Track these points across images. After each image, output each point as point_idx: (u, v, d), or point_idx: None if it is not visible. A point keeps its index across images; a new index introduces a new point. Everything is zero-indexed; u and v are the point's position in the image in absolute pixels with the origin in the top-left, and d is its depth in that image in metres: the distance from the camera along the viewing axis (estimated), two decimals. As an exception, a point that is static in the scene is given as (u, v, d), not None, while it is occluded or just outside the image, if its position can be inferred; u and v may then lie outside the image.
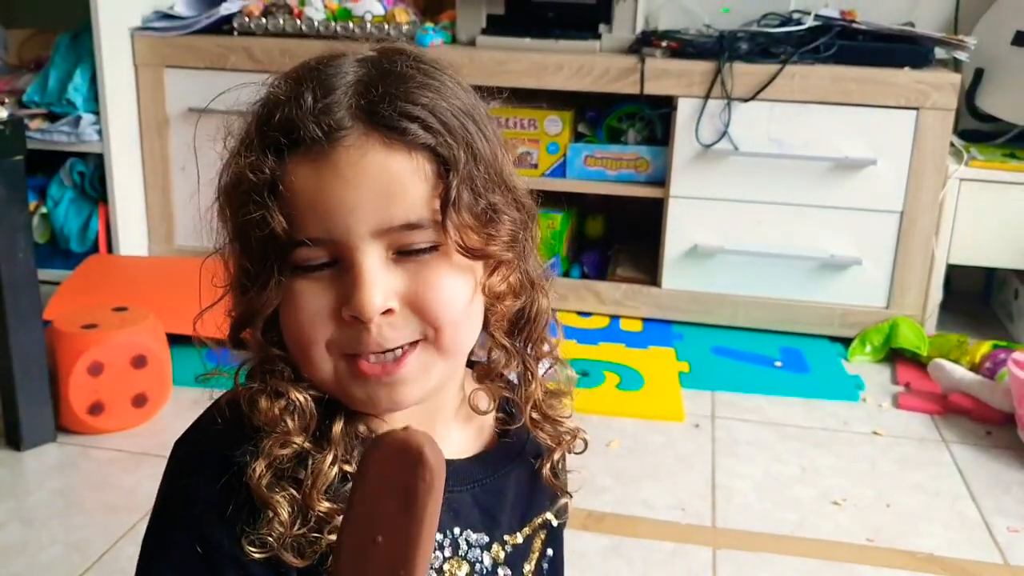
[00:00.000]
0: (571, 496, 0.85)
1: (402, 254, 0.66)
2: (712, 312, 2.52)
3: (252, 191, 0.64)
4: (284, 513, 0.66)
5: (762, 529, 1.70)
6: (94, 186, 2.64)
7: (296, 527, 0.66)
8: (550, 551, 0.83)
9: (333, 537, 0.65)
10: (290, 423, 0.68)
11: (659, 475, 1.85)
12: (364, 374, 0.67)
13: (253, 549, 0.66)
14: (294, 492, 0.67)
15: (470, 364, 0.79)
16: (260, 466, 0.67)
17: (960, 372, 2.16)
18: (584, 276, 2.65)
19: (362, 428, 0.71)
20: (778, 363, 2.35)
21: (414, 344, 0.67)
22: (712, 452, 1.95)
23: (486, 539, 0.76)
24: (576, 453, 0.85)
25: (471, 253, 0.67)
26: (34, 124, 2.54)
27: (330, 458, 0.68)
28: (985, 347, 2.26)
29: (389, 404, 0.69)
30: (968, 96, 2.56)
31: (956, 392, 2.15)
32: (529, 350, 0.78)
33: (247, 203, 0.65)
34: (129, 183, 2.66)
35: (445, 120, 0.67)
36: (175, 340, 2.07)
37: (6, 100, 2.52)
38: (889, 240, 2.40)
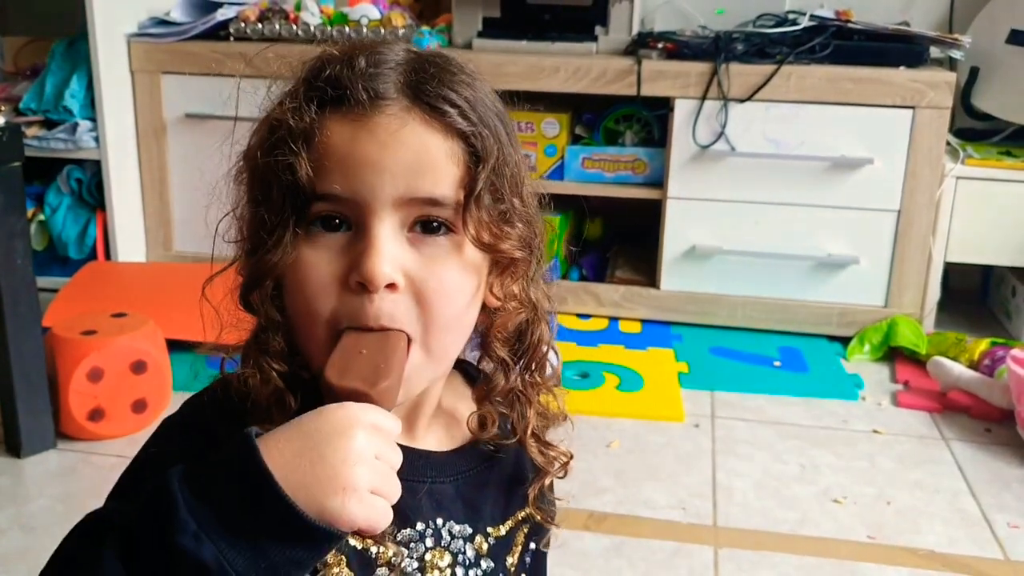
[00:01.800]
0: (558, 526, 0.85)
1: (416, 231, 0.67)
2: (711, 313, 2.52)
3: (288, 136, 0.65)
4: None
5: (763, 528, 1.70)
6: (92, 193, 2.64)
7: None
8: (532, 544, 0.83)
9: None
10: (275, 412, 0.68)
11: (660, 475, 1.85)
12: None
13: None
14: None
15: (459, 369, 0.79)
16: None
17: (959, 370, 2.17)
18: (583, 278, 2.65)
19: None
20: (777, 363, 2.35)
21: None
22: (712, 452, 1.95)
23: (469, 530, 0.77)
24: (559, 478, 0.84)
25: (484, 246, 0.68)
26: (31, 131, 2.54)
27: None
28: (984, 344, 2.26)
29: None
30: (964, 95, 2.57)
31: (955, 390, 2.15)
32: (528, 375, 0.79)
33: (279, 147, 0.66)
34: (127, 189, 2.66)
35: (482, 116, 0.69)
36: (174, 346, 2.07)
37: (3, 107, 2.52)
38: (887, 239, 2.40)
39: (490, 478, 0.79)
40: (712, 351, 2.41)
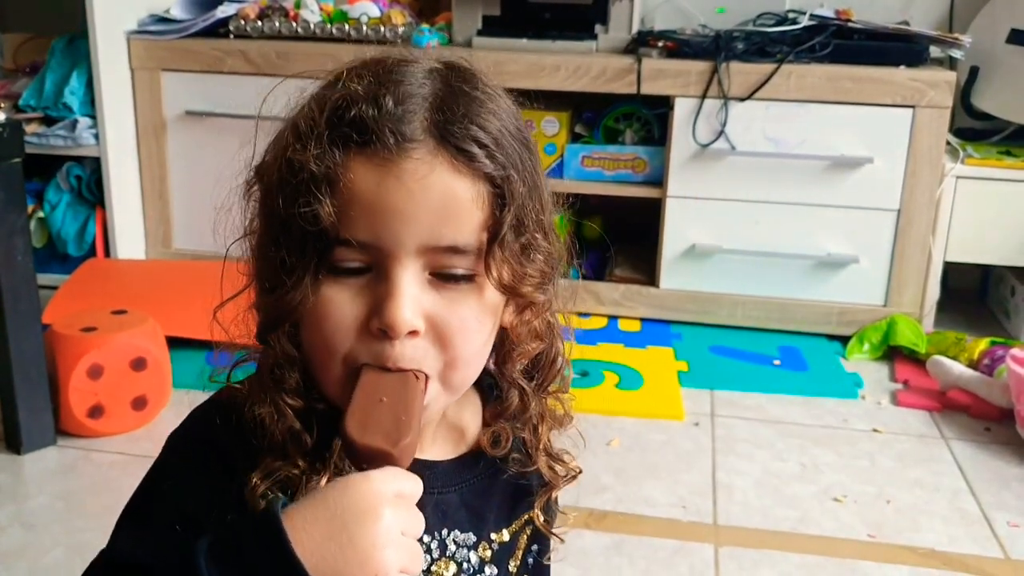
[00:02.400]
0: (563, 541, 0.85)
1: (437, 277, 0.66)
2: (710, 311, 2.52)
3: (310, 182, 0.64)
4: None
5: (763, 526, 1.70)
6: (91, 190, 2.64)
7: None
8: (535, 547, 0.83)
9: None
10: (290, 448, 0.68)
11: (660, 473, 1.86)
12: None
13: None
14: None
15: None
16: (257, 478, 0.67)
17: (959, 369, 2.17)
18: (582, 277, 2.64)
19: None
20: (777, 361, 2.35)
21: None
22: (712, 450, 1.95)
23: (473, 538, 0.77)
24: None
25: (506, 290, 0.68)
26: (31, 128, 2.53)
27: (324, 480, 0.68)
28: (983, 344, 2.27)
29: None
30: (963, 94, 2.57)
31: (955, 389, 2.16)
32: (543, 392, 0.79)
33: (301, 193, 0.64)
34: (126, 187, 2.66)
35: (509, 151, 0.67)
36: (174, 343, 2.07)
37: (2, 104, 2.51)
38: (886, 238, 2.40)
39: (495, 484, 0.79)
40: (712, 350, 2.41)
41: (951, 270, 2.55)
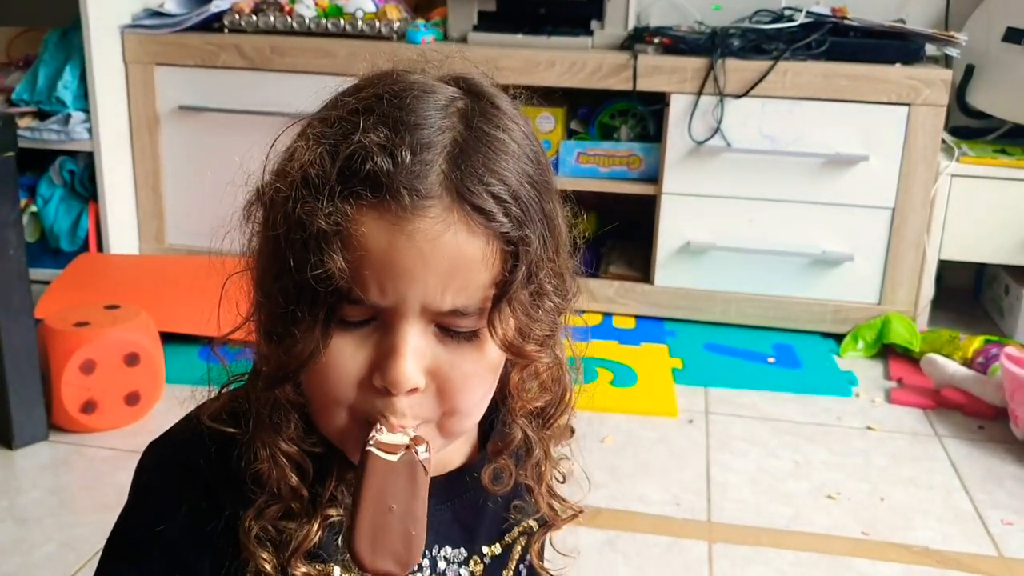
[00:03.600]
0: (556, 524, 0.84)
1: (441, 331, 0.65)
2: (704, 309, 2.52)
3: (321, 239, 0.61)
4: (269, 567, 0.67)
5: (757, 523, 1.70)
6: (84, 184, 2.63)
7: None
8: (529, 557, 0.83)
9: None
10: (285, 494, 0.68)
11: (653, 470, 1.85)
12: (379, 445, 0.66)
13: None
14: (277, 553, 0.68)
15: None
16: (250, 517, 0.67)
17: (952, 367, 2.17)
18: (576, 274, 2.64)
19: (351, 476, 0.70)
20: (771, 359, 2.35)
21: (420, 425, 0.67)
22: (706, 447, 1.95)
23: (464, 554, 0.77)
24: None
25: (509, 350, 0.66)
26: (23, 122, 2.52)
27: (316, 525, 0.68)
28: (977, 342, 2.27)
29: None
30: (959, 92, 2.57)
31: (948, 387, 2.16)
32: (547, 429, 0.78)
33: (311, 249, 0.61)
34: (119, 181, 2.65)
35: (526, 204, 0.64)
36: (167, 338, 2.06)
37: (-5, 98, 2.51)
38: (881, 236, 2.41)
39: (487, 497, 0.78)
40: (706, 347, 2.41)
41: (945, 268, 2.56)
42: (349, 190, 0.61)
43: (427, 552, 0.74)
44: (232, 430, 0.69)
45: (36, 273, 2.13)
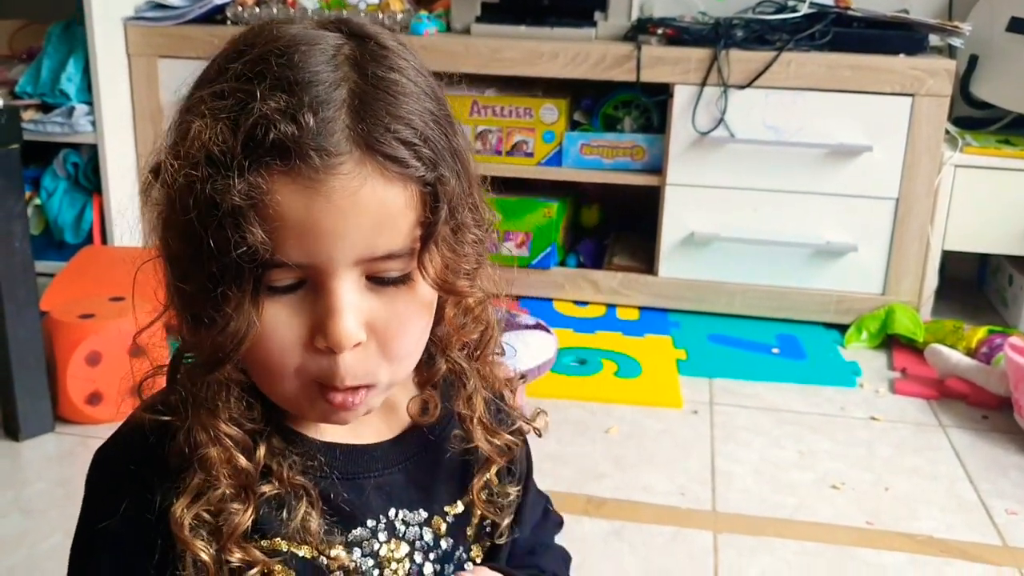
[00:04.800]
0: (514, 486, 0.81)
1: (373, 281, 0.65)
2: (708, 300, 2.52)
3: (237, 215, 0.60)
4: (206, 556, 0.66)
5: (762, 513, 1.70)
6: (88, 177, 2.63)
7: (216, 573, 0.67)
8: (488, 522, 0.80)
9: None
10: (229, 473, 0.67)
11: (658, 461, 1.86)
12: (330, 402, 0.66)
13: None
14: (213, 542, 0.67)
15: None
16: (181, 507, 0.66)
17: (956, 357, 2.17)
18: (580, 265, 2.65)
19: (276, 441, 0.70)
20: (775, 350, 2.35)
21: (370, 388, 0.67)
22: (711, 438, 1.95)
23: (424, 515, 0.75)
24: (538, 436, 0.83)
25: (442, 287, 0.67)
26: (27, 115, 2.52)
27: (250, 507, 0.67)
28: (981, 332, 2.27)
29: (339, 421, 0.70)
30: (963, 83, 2.56)
31: (952, 377, 2.16)
32: (475, 361, 0.77)
33: (228, 226, 0.60)
34: (123, 174, 2.65)
35: (436, 142, 0.64)
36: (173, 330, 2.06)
37: (-1, 90, 2.51)
38: (885, 227, 2.40)
39: (441, 457, 0.77)
40: (710, 338, 2.41)
41: (949, 259, 2.55)
42: (257, 162, 0.60)
43: (382, 516, 0.73)
44: (167, 418, 0.68)
45: (40, 266, 2.13)
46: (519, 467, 0.83)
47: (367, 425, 0.74)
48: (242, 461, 0.67)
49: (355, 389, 0.66)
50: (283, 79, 0.61)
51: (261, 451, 0.68)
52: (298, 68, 0.62)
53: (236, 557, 0.67)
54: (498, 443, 0.78)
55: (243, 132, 0.60)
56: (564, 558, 0.91)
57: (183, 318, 0.67)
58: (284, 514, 0.69)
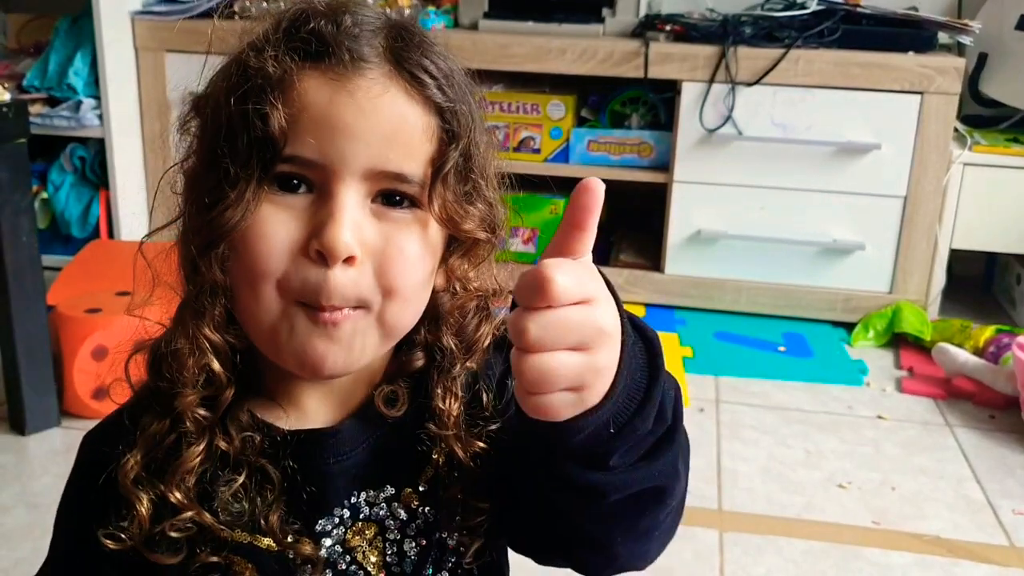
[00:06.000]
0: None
1: (380, 203, 0.65)
2: (715, 297, 2.52)
3: (265, 85, 0.62)
4: (143, 509, 0.66)
5: (768, 512, 1.70)
6: (95, 171, 2.64)
7: (159, 523, 0.67)
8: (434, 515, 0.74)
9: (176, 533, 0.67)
10: (205, 388, 0.67)
11: (664, 459, 1.85)
12: (314, 321, 0.64)
13: (110, 542, 0.67)
14: (160, 486, 0.67)
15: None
16: (134, 458, 0.67)
17: (964, 356, 2.17)
18: (587, 261, 2.64)
19: (244, 417, 0.69)
20: (782, 348, 2.35)
21: (357, 309, 0.65)
22: (717, 436, 1.95)
23: (391, 490, 0.72)
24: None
25: (447, 223, 0.67)
26: (34, 109, 2.53)
27: (200, 448, 0.67)
28: (988, 332, 2.26)
29: (316, 360, 0.65)
30: (971, 81, 2.56)
31: (960, 376, 2.15)
32: (469, 355, 0.73)
33: (253, 96, 0.62)
34: (130, 168, 2.65)
35: (459, 91, 0.67)
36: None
37: (6, 85, 2.50)
38: (892, 225, 2.40)
39: (405, 424, 0.72)
40: (716, 336, 2.41)
41: (956, 258, 2.55)
42: (293, 44, 0.64)
43: (347, 501, 0.71)
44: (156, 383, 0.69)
45: (47, 260, 2.13)
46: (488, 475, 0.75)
47: (318, 409, 0.72)
48: (216, 364, 0.67)
49: (342, 311, 0.64)
50: (338, 4, 0.67)
51: (228, 393, 0.68)
52: (344, 2, 0.67)
53: (176, 496, 0.66)
54: (470, 451, 0.72)
55: (286, 20, 0.65)
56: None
57: (191, 212, 0.67)
58: (244, 504, 0.68)
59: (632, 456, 0.59)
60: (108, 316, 1.90)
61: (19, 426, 1.86)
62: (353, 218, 0.63)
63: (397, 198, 0.65)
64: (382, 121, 0.63)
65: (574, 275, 0.52)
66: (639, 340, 0.59)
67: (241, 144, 0.63)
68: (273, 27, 0.66)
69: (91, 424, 1.87)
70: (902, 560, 1.58)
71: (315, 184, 0.64)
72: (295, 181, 0.64)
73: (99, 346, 1.87)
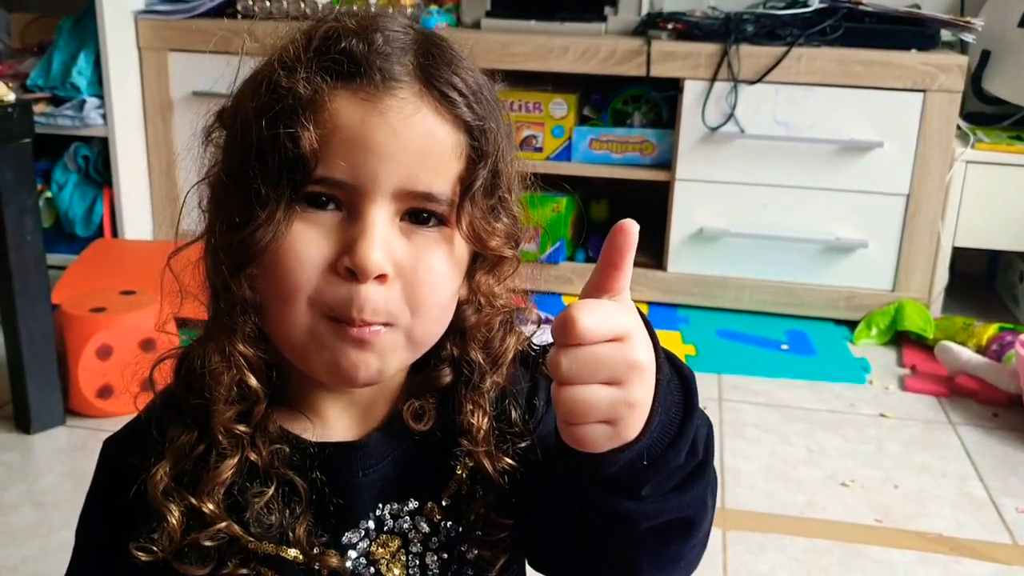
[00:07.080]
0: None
1: (408, 222, 0.65)
2: (718, 295, 2.52)
3: (295, 107, 0.63)
4: (173, 520, 0.67)
5: (771, 510, 1.70)
6: (99, 170, 2.64)
7: (188, 534, 0.67)
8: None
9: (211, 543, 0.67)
10: (239, 402, 0.67)
11: (667, 457, 1.85)
12: (343, 337, 0.64)
13: (141, 554, 0.67)
14: (190, 498, 0.67)
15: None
16: (163, 469, 0.67)
17: (967, 354, 2.17)
18: (589, 260, 2.64)
19: (273, 429, 0.70)
20: (784, 346, 2.35)
21: (387, 326, 0.65)
22: (720, 434, 1.95)
23: (415, 503, 0.73)
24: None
25: (474, 240, 0.67)
26: (38, 108, 2.53)
27: (234, 461, 0.67)
28: (991, 329, 2.26)
29: (349, 371, 0.65)
30: (974, 78, 2.55)
31: (963, 374, 2.15)
32: (495, 372, 0.74)
33: (283, 118, 0.63)
34: (134, 167, 2.66)
35: (487, 108, 0.67)
36: (184, 324, 2.07)
37: (10, 84, 2.51)
38: (895, 223, 2.40)
39: (429, 438, 0.73)
40: (719, 334, 2.41)
41: (959, 255, 2.54)
42: (324, 63, 0.64)
43: (373, 514, 0.72)
44: (186, 397, 0.69)
45: (51, 259, 2.13)
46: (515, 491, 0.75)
47: (340, 419, 0.73)
48: (252, 380, 0.67)
49: (372, 326, 0.64)
50: (368, 22, 0.67)
51: (262, 407, 0.68)
52: (378, 17, 0.68)
53: (209, 507, 0.67)
54: (498, 467, 0.73)
55: (318, 38, 0.65)
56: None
57: (219, 228, 0.67)
58: (273, 516, 0.69)
59: (664, 487, 0.61)
60: (112, 315, 1.91)
61: (24, 425, 1.87)
62: (383, 236, 0.63)
63: (424, 215, 0.66)
64: (413, 140, 0.64)
65: (601, 315, 0.55)
66: (675, 376, 0.61)
67: (271, 164, 0.63)
68: (304, 45, 0.65)
69: (96, 422, 1.86)
70: (905, 558, 1.58)
71: (344, 202, 0.64)
72: (324, 199, 0.64)
73: (104, 345, 1.88)
